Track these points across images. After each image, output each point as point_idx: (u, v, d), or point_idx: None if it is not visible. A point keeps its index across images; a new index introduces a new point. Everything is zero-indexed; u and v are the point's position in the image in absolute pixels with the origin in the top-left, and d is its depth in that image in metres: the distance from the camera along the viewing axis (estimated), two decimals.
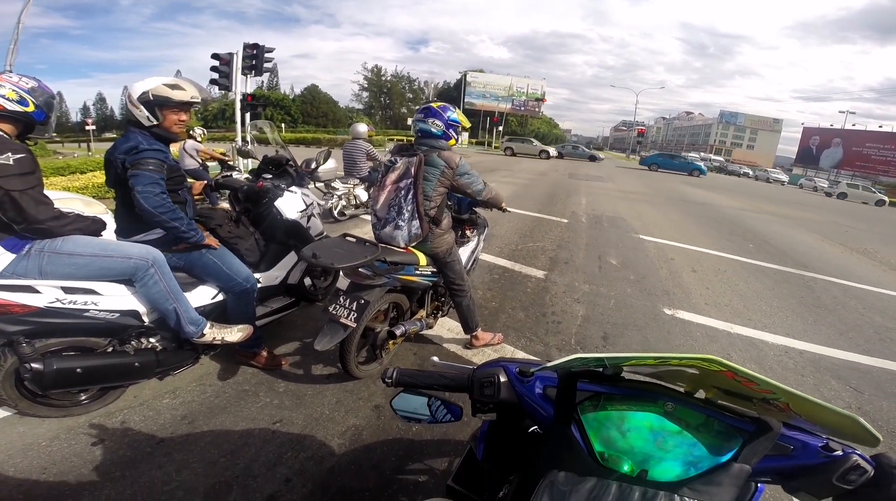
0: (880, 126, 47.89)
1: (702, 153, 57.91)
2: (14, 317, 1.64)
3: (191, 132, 6.77)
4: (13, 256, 1.64)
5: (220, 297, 2.22)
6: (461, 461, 1.04)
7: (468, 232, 3.04)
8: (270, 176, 3.00)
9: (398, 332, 2.38)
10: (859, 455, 0.62)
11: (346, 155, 6.39)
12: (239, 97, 10.87)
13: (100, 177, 7.07)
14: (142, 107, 1.89)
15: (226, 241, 2.31)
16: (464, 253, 2.80)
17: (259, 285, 2.35)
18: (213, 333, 2.07)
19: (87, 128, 23.37)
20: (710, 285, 4.80)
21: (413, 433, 2.08)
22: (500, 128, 41.85)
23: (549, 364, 0.68)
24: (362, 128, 6.48)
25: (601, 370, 0.76)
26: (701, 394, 0.74)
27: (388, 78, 67.68)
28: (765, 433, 0.64)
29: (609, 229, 7.40)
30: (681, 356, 0.58)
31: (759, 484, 0.70)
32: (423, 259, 2.40)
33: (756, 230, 8.97)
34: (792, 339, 3.58)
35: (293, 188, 2.97)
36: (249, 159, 6.54)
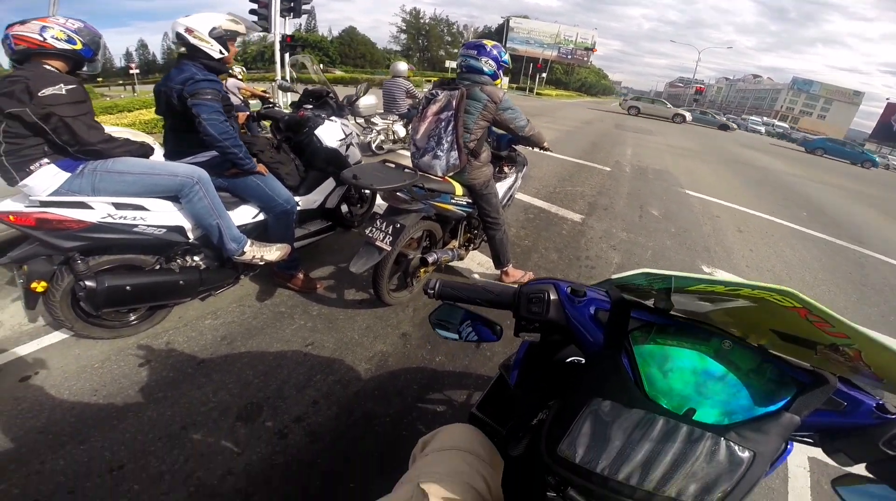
0: None
1: (765, 118, 53.15)
2: (70, 233, 1.73)
3: (230, 71, 6.89)
4: (68, 174, 1.74)
5: (261, 217, 2.30)
6: (488, 389, 1.00)
7: (506, 169, 3.01)
8: (311, 106, 3.05)
9: (430, 259, 2.43)
10: None
11: (386, 92, 6.44)
12: (278, 38, 10.72)
13: (146, 114, 7.32)
14: (214, 41, 1.99)
15: (267, 166, 2.37)
16: (500, 188, 2.78)
17: (298, 209, 2.43)
18: (254, 251, 2.15)
19: (131, 72, 24.12)
20: (754, 248, 4.53)
21: (436, 363, 2.14)
22: (544, 75, 39.58)
23: (614, 277, 0.64)
24: (402, 66, 6.42)
25: (652, 304, 0.71)
26: (752, 342, 0.68)
27: (427, 21, 64.50)
28: (820, 385, 0.60)
29: (654, 181, 7.05)
30: (754, 284, 0.52)
31: (789, 443, 0.67)
32: (459, 189, 2.41)
33: (813, 199, 8.29)
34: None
35: (333, 118, 3.00)
36: (289, 97, 6.46)
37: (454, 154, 2.26)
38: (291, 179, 2.50)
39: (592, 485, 0.57)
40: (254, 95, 6.93)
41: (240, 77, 6.97)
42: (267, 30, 10.39)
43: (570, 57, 52.11)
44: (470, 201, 2.51)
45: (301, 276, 2.58)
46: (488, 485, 0.71)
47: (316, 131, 2.77)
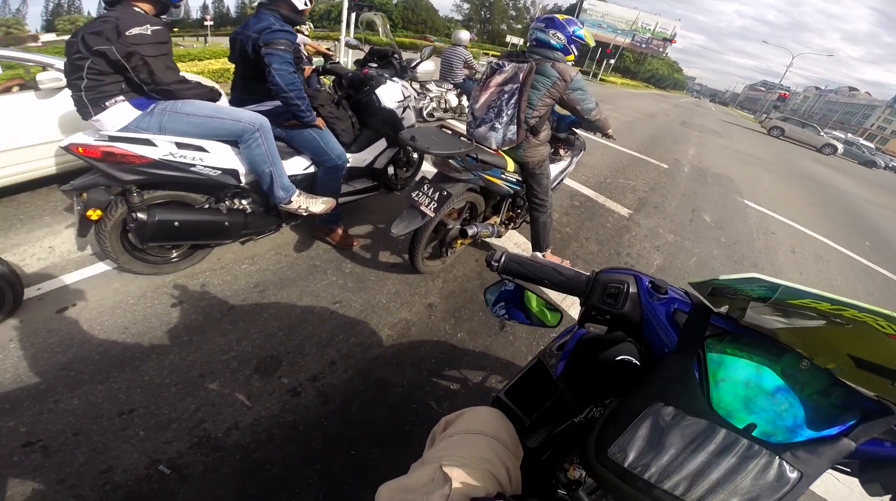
0: None
1: (849, 135, 48.14)
2: (131, 167, 1.82)
3: (299, 27, 7.04)
4: (139, 112, 1.83)
5: (312, 169, 2.38)
6: (521, 374, 0.98)
7: (562, 151, 2.95)
8: (375, 65, 3.08)
9: (470, 232, 2.42)
10: None
11: (444, 60, 6.34)
12: None
13: (215, 64, 7.60)
14: None
15: (325, 120, 2.42)
16: (553, 170, 2.72)
17: (348, 165, 2.48)
18: (300, 201, 2.22)
19: (206, 23, 24.83)
20: (804, 271, 4.26)
21: (457, 340, 2.13)
22: (612, 61, 37.52)
23: (721, 278, 0.60)
24: (465, 35, 6.25)
25: (725, 312, 0.69)
26: (818, 364, 0.66)
27: None
28: (884, 415, 0.58)
29: (712, 186, 6.69)
30: (863, 306, 0.49)
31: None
32: (511, 165, 2.38)
33: (881, 230, 7.57)
34: None
35: (395, 79, 3.01)
36: (352, 55, 6.43)
37: (512, 128, 2.21)
38: (346, 136, 2.55)
39: (635, 491, 0.54)
40: (318, 52, 6.83)
41: (306, 33, 6.93)
42: None
43: (644, 46, 48.96)
44: (520, 178, 2.47)
45: (340, 231, 2.66)
46: (509, 475, 0.69)
47: (377, 91, 2.80)
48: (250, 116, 2.01)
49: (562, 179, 3.05)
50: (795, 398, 0.60)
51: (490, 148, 2.28)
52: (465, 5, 62.99)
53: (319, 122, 2.29)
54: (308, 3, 2.12)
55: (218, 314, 1.99)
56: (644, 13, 48.12)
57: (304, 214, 2.28)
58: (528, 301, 0.90)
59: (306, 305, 2.16)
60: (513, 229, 2.96)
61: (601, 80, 35.38)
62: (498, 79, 2.18)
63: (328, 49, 8.37)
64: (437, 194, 2.13)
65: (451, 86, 6.28)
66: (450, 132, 2.29)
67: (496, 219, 2.71)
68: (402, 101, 2.98)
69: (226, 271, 2.27)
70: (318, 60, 7.37)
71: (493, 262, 0.81)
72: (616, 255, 3.44)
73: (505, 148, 2.30)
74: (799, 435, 0.57)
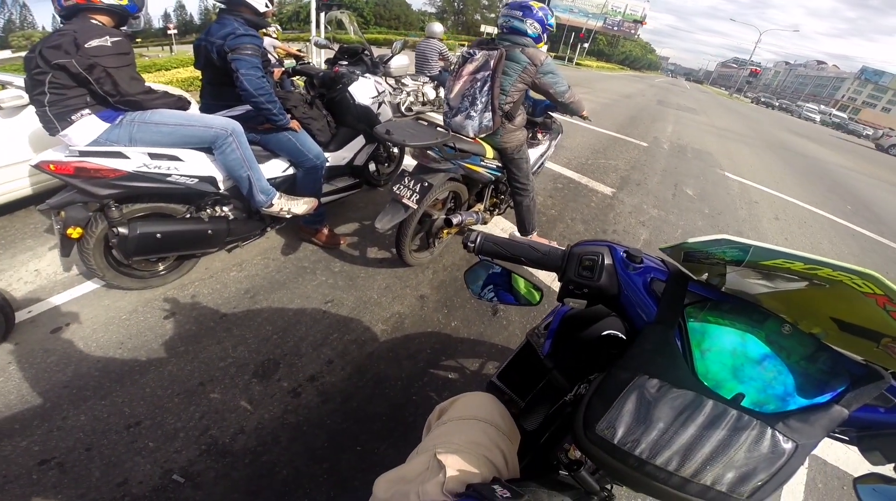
0: None
1: (822, 106, 49.47)
2: (106, 181, 1.76)
3: (266, 30, 6.96)
4: (107, 125, 1.79)
5: (291, 171, 2.35)
6: (512, 357, 0.96)
7: (540, 135, 2.96)
8: (346, 63, 3.05)
9: (455, 220, 2.44)
10: None
11: (418, 53, 6.35)
12: None
13: (183, 73, 7.46)
14: None
15: (300, 121, 2.39)
16: (532, 154, 2.74)
17: (327, 165, 2.46)
18: (281, 203, 2.19)
19: (169, 32, 24.21)
20: (789, 237, 4.37)
21: (451, 329, 2.14)
22: (586, 45, 37.70)
23: (689, 241, 0.58)
24: (438, 28, 6.31)
25: (705, 279, 0.67)
26: (803, 329, 0.65)
27: None
28: (874, 379, 0.56)
29: (692, 161, 6.78)
30: (837, 264, 0.48)
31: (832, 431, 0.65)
32: (489, 152, 2.37)
33: (860, 194, 7.80)
34: None
35: (366, 75, 2.98)
36: (324, 55, 6.36)
37: (488, 115, 2.21)
38: (322, 135, 2.52)
39: (627, 468, 0.53)
40: (289, 54, 6.93)
41: (275, 36, 6.88)
42: None
43: (616, 28, 49.14)
44: (500, 164, 2.47)
45: (326, 231, 2.65)
46: (505, 459, 0.69)
47: (349, 88, 2.77)
48: (222, 122, 1.98)
49: (542, 163, 3.05)
50: (783, 366, 0.58)
51: (467, 136, 2.27)
52: None
53: (294, 124, 2.28)
54: (269, 4, 2.08)
55: (211, 323, 1.98)
56: None
57: (288, 216, 2.25)
58: (516, 283, 0.89)
59: (298, 306, 2.15)
60: (498, 214, 2.98)
61: (577, 64, 35.55)
62: (470, 67, 2.20)
63: (299, 50, 8.32)
64: (419, 185, 2.13)
65: (427, 79, 6.27)
66: (426, 124, 2.28)
67: (480, 206, 2.72)
68: (377, 96, 2.95)
69: (215, 280, 2.25)
70: (289, 62, 7.32)
71: (469, 243, 0.79)
72: (602, 233, 3.47)
73: (482, 135, 2.30)
74: (790, 404, 0.56)
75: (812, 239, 4.52)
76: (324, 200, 2.55)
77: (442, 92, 6.39)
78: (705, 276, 0.67)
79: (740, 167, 7.16)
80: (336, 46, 3.32)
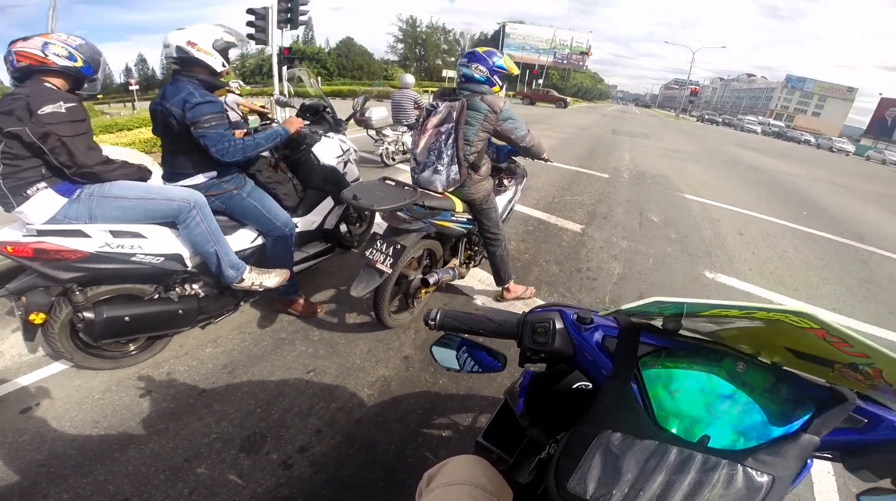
0: None
1: (760, 118, 53.51)
2: (67, 264, 1.70)
3: (228, 86, 7.08)
4: (65, 200, 1.72)
5: (260, 241, 2.28)
6: (493, 416, 0.98)
7: (506, 181, 2.98)
8: (308, 122, 2.98)
9: (431, 280, 2.41)
10: None
11: (394, 104, 6.60)
12: (275, 51, 10.78)
13: (146, 133, 7.32)
14: (217, 53, 1.96)
15: (265, 186, 2.34)
16: (500, 202, 2.75)
17: (297, 230, 2.41)
18: (252, 277, 2.12)
19: (130, 88, 23.97)
20: (756, 250, 4.53)
21: (439, 386, 2.10)
22: (541, 81, 39.86)
23: (623, 308, 0.61)
24: (410, 79, 6.73)
25: (661, 325, 0.70)
26: (764, 359, 0.66)
27: (423, 29, 65.08)
28: (838, 403, 0.58)
29: (652, 187, 7.06)
30: (769, 308, 0.51)
31: (809, 459, 0.65)
32: (459, 205, 2.37)
33: (812, 198, 8.30)
34: (838, 315, 3.33)
35: (330, 134, 2.93)
36: (287, 112, 6.51)
37: (454, 169, 2.23)
38: (289, 200, 2.48)
39: None
40: (252, 111, 6.77)
41: (237, 92, 7.01)
42: (264, 42, 10.45)
43: (565, 62, 52.54)
44: (470, 217, 2.48)
45: (301, 301, 2.55)
46: None
47: (313, 149, 2.72)
48: (184, 194, 1.92)
49: (511, 209, 3.07)
50: (748, 401, 0.59)
51: (436, 191, 2.28)
52: (399, 46, 65.53)
53: (292, 123, 2.28)
54: (226, 63, 2.02)
55: (190, 399, 1.93)
56: (559, 30, 51.96)
57: (260, 289, 2.18)
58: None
59: (280, 378, 2.09)
60: (474, 266, 2.95)
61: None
62: (434, 120, 2.21)
63: (262, 107, 8.40)
64: (391, 248, 2.10)
65: (405, 128, 6.50)
66: (393, 184, 2.26)
67: (456, 261, 2.71)
68: (342, 155, 2.93)
69: (190, 357, 2.19)
70: (253, 119, 7.36)
71: (429, 321, 0.83)
72: (577, 272, 3.49)
73: (451, 189, 2.31)
74: (760, 438, 0.56)
75: (777, 249, 4.69)
76: (296, 268, 2.48)
77: None
78: (661, 321, 0.69)
79: (697, 187, 7.49)
80: (297, 104, 3.31)
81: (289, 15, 10.34)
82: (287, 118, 2.27)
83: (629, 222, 4.93)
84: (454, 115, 2.15)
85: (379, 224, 3.54)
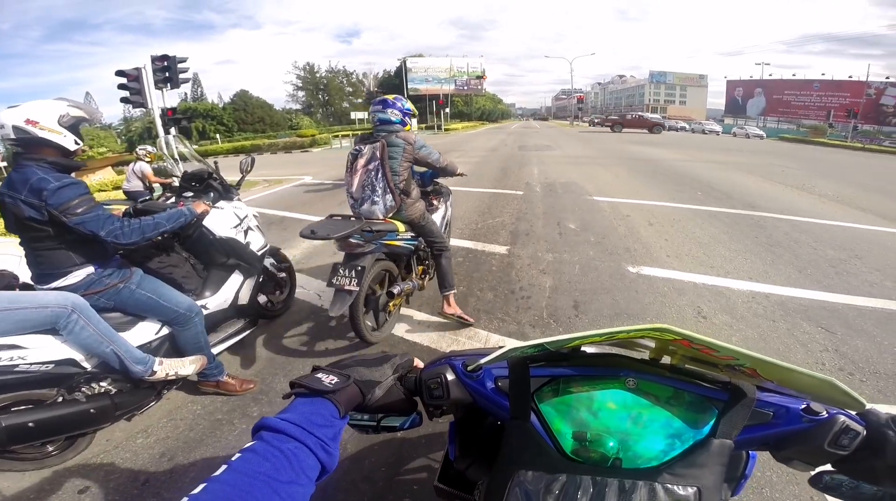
0: (793, 75, 51.23)
1: (639, 113, 60.28)
2: None
3: (136, 153, 7.10)
4: None
5: (166, 330, 2.12)
6: (443, 460, 0.97)
7: (435, 201, 3.29)
8: (192, 194, 2.75)
9: (395, 291, 2.75)
10: (846, 414, 0.56)
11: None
12: (157, 113, 10.09)
13: None
14: (66, 130, 1.75)
15: (157, 273, 2.17)
16: (436, 219, 3.06)
17: (207, 312, 2.29)
18: (165, 369, 1.98)
19: None
20: (668, 237, 4.87)
21: (399, 437, 2.00)
22: (447, 110, 41.60)
23: (482, 361, 0.61)
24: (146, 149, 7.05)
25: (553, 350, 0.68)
26: (667, 359, 0.67)
27: (323, 74, 65.48)
28: (739, 400, 0.57)
29: (563, 195, 7.43)
30: (630, 328, 0.52)
31: (750, 452, 0.67)
32: (401, 227, 2.68)
33: (701, 178, 9.32)
34: (756, 282, 3.63)
35: (220, 204, 2.68)
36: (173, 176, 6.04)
37: (389, 197, 2.55)
38: (191, 282, 2.31)
39: None
40: (162, 185, 6.59)
41: (147, 160, 6.81)
42: (142, 105, 9.80)
43: (466, 88, 55.39)
44: (413, 234, 2.80)
45: (230, 380, 2.35)
46: None
47: (204, 223, 2.47)
48: (57, 298, 1.71)
49: (448, 223, 3.46)
50: (655, 413, 0.59)
51: (378, 219, 2.58)
52: (300, 93, 64.89)
53: (200, 206, 2.19)
54: (79, 141, 1.80)
55: (134, 490, 1.82)
56: (455, 58, 54.65)
57: (176, 378, 2.05)
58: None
59: (226, 457, 1.76)
60: (429, 279, 3.24)
61: (445, 130, 38.75)
62: (361, 161, 2.56)
63: (170, 182, 7.71)
64: (353, 270, 2.41)
65: None
66: (340, 218, 2.57)
67: (412, 275, 3.05)
68: (239, 224, 2.67)
69: (122, 450, 2.05)
70: (157, 187, 6.69)
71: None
72: (511, 294, 3.46)
73: (389, 215, 2.62)
74: (674, 449, 0.56)
75: (686, 232, 5.08)
76: (218, 348, 2.38)
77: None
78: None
79: (603, 188, 8.05)
80: (180, 172, 3.05)
81: (167, 74, 9.93)
82: (196, 204, 2.18)
83: (550, 233, 5.07)
84: (377, 153, 2.49)
85: (302, 286, 3.48)
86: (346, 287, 2.37)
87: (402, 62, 53.50)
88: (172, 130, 10.34)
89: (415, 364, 0.76)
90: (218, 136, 44.73)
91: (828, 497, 0.65)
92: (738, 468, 0.68)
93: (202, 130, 49.17)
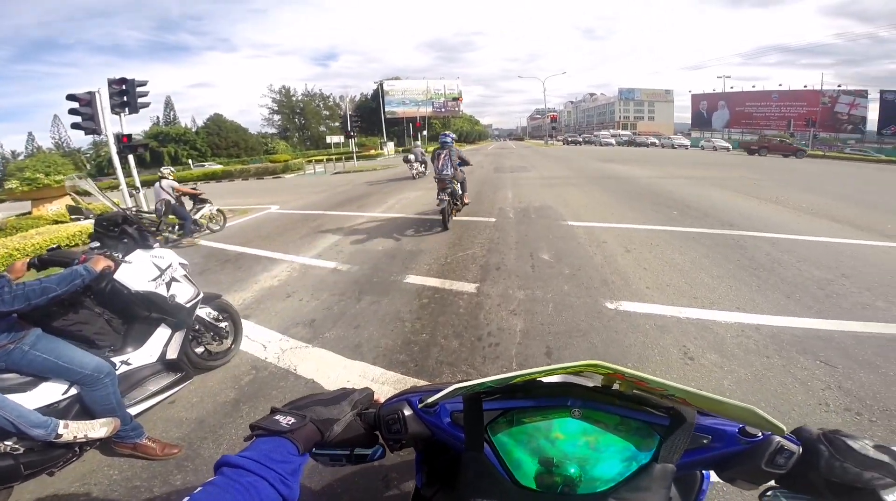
0: (753, 86, 53.56)
1: (611, 130, 62.24)
2: None
3: (161, 172, 7.95)
4: None
5: (75, 390, 1.98)
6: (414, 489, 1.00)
7: (462, 171, 7.39)
8: (98, 244, 2.51)
9: (458, 192, 7.21)
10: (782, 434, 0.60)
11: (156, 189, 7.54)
12: (112, 140, 9.55)
13: None
14: None
15: (63, 330, 2.03)
16: (461, 175, 7.39)
17: (130, 368, 2.20)
18: (73, 431, 1.87)
19: None
20: (647, 265, 4.62)
21: (375, 466, 1.78)
22: (425, 132, 41.84)
23: (431, 399, 0.67)
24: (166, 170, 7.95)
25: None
26: (618, 385, 0.68)
27: (300, 98, 65.36)
28: (680, 425, 0.61)
29: (537, 221, 7.21)
30: (566, 365, 0.57)
31: (704, 473, 0.73)
32: (456, 183, 7.18)
33: (675, 196, 9.26)
34: (743, 313, 3.39)
35: (132, 257, 2.37)
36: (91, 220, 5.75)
37: (451, 169, 6.76)
38: (105, 339, 2.16)
39: None
40: (186, 193, 7.85)
41: (171, 177, 7.78)
42: (95, 132, 9.25)
43: (443, 110, 56.14)
44: (457, 181, 7.19)
45: (150, 443, 2.18)
46: None
47: (115, 277, 2.22)
48: None
49: (464, 180, 7.48)
50: (604, 439, 0.62)
51: (448, 176, 6.75)
52: (276, 117, 64.37)
53: (100, 263, 2.04)
54: None
55: None
56: (431, 80, 55.55)
57: (86, 441, 1.93)
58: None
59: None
60: (462, 206, 7.48)
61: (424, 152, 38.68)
62: (441, 155, 6.82)
63: (194, 189, 8.30)
64: (444, 193, 6.65)
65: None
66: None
67: (458, 200, 7.27)
68: (159, 276, 2.38)
69: (112, 469, 2.03)
70: (36, 242, 6.39)
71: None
72: (478, 341, 3.13)
73: (452, 175, 6.79)
74: (622, 474, 0.59)
75: (665, 258, 4.86)
76: (141, 407, 2.23)
77: None
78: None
79: (577, 211, 7.87)
80: (92, 215, 2.76)
81: (125, 98, 9.48)
82: (98, 261, 2.05)
83: (522, 267, 4.78)
84: (443, 154, 6.82)
85: (247, 336, 3.25)
86: (442, 196, 6.60)
87: (379, 85, 53.93)
88: (75, 175, 9.74)
89: (375, 399, 0.80)
90: (191, 161, 43.81)
91: None
92: (693, 488, 0.73)
93: (174, 155, 48.26)
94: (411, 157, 15.96)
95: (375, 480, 1.88)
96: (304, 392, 2.34)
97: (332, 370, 2.86)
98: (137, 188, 9.91)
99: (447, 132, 7.15)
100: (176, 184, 7.75)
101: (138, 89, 9.58)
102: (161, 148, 48.00)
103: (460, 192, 7.19)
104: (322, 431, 0.66)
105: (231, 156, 49.29)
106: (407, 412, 0.74)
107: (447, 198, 6.57)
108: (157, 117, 60.38)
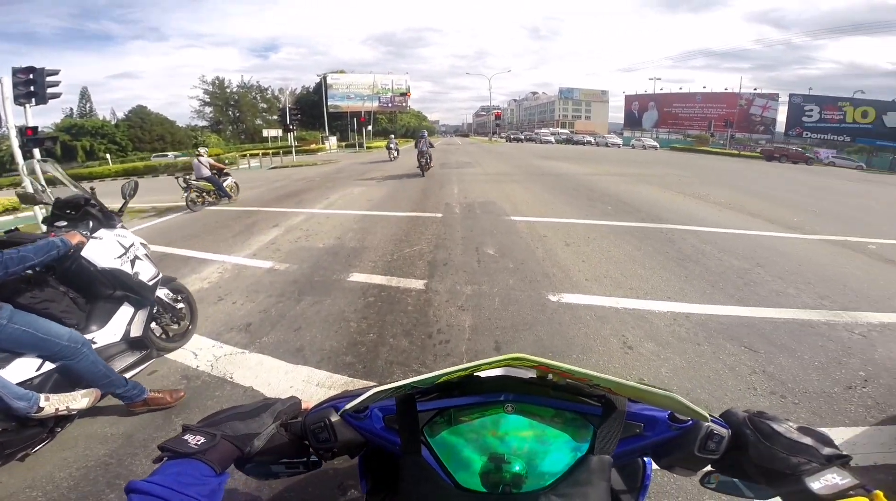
0: (680, 88, 58.06)
1: (551, 129, 64.82)
2: None
3: (197, 152, 10.45)
4: None
5: (49, 366, 1.99)
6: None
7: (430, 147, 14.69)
8: (65, 223, 2.52)
9: (423, 162, 14.17)
10: (712, 418, 0.61)
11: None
12: (13, 133, 8.46)
13: None
14: None
15: (31, 308, 2.00)
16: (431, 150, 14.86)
17: (95, 347, 2.17)
18: (54, 403, 1.91)
19: None
20: (585, 258, 4.86)
21: (329, 473, 1.86)
22: (370, 127, 40.97)
23: (348, 406, 0.64)
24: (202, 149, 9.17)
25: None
26: (551, 377, 0.70)
27: (235, 89, 61.31)
28: (611, 414, 0.61)
29: (482, 216, 7.32)
30: (490, 361, 0.56)
31: (646, 460, 0.73)
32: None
33: (609, 192, 9.85)
34: (675, 302, 3.64)
35: (100, 233, 2.46)
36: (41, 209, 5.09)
37: (426, 147, 14.24)
38: (72, 317, 2.16)
39: None
40: (217, 168, 10.07)
41: (205, 154, 10.24)
42: None
43: (390, 105, 55.10)
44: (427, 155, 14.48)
45: (157, 395, 2.37)
46: None
47: (83, 253, 2.28)
48: None
49: (430, 154, 14.76)
50: (550, 431, 0.62)
51: (425, 151, 14.28)
52: (208, 109, 59.88)
53: (74, 237, 2.10)
54: None
55: None
56: (379, 75, 54.20)
57: (69, 413, 1.96)
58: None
59: None
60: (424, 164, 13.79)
61: (367, 147, 37.86)
62: (421, 141, 14.37)
63: (224, 162, 10.15)
64: (421, 158, 14.14)
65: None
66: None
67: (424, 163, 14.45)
68: (124, 253, 2.48)
69: (34, 490, 1.92)
70: (6, 222, 5.48)
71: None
72: (428, 339, 3.11)
73: (426, 150, 14.25)
74: (561, 468, 0.58)
75: (602, 251, 5.13)
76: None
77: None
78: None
79: (520, 207, 8.11)
80: (51, 199, 2.65)
81: (32, 88, 8.48)
82: (71, 235, 2.10)
83: (468, 262, 4.83)
84: (423, 140, 14.33)
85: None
86: (422, 159, 14.01)
87: (322, 78, 51.88)
88: (37, 153, 8.68)
89: (303, 407, 0.76)
90: (108, 156, 39.63)
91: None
92: (637, 475, 0.73)
93: (89, 150, 43.53)
94: (391, 146, 21.35)
95: (330, 487, 1.84)
96: (242, 401, 2.21)
97: (273, 376, 2.72)
98: (43, 187, 8.81)
99: (423, 131, 14.60)
100: (212, 160, 10.33)
101: (48, 79, 8.65)
102: (74, 142, 43.05)
103: (429, 160, 14.20)
104: (240, 447, 0.63)
105: (156, 150, 45.16)
106: (334, 418, 0.71)
107: (423, 161, 13.82)
108: (71, 109, 54.06)
